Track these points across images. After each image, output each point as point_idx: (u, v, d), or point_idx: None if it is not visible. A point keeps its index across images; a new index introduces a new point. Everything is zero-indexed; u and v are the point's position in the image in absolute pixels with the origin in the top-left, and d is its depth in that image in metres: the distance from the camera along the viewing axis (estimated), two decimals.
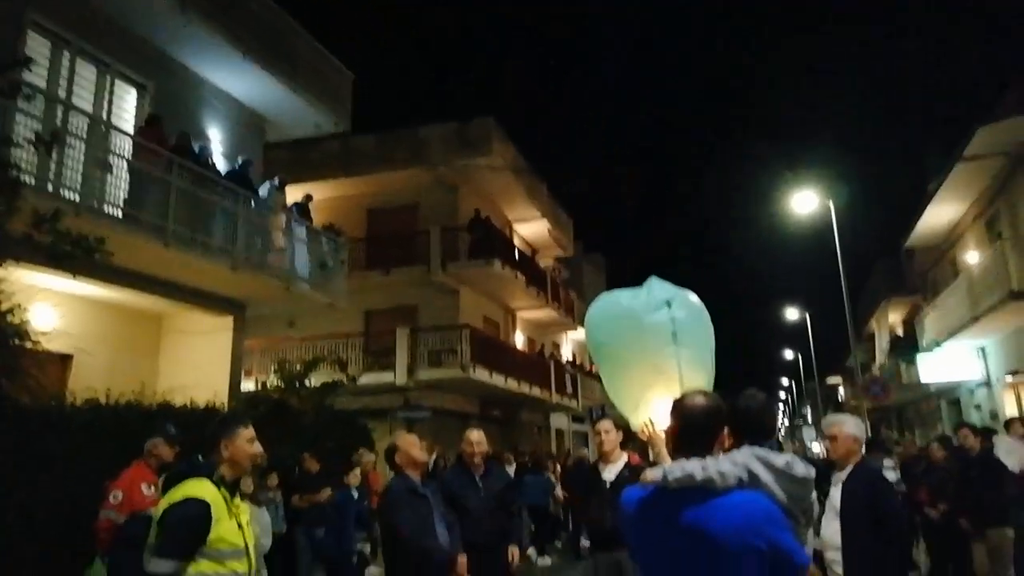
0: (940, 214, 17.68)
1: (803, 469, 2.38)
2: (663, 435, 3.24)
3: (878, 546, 3.76)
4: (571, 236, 27.80)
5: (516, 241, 23.15)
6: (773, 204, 19.33)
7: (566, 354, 28.05)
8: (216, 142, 11.44)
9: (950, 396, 19.97)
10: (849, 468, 4.01)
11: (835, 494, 3.99)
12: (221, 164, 11.03)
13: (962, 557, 7.27)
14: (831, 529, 3.91)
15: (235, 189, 9.96)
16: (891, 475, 8.18)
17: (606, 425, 4.81)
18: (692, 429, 2.21)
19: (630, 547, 2.26)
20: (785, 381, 69.20)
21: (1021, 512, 6.38)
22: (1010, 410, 14.65)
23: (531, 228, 24.41)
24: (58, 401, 7.70)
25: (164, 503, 2.81)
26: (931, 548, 7.97)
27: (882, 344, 27.62)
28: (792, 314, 36.12)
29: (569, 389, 23.80)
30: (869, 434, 10.46)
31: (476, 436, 4.85)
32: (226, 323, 11.12)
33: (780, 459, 2.39)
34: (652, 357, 3.27)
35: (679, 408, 2.26)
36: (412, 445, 4.32)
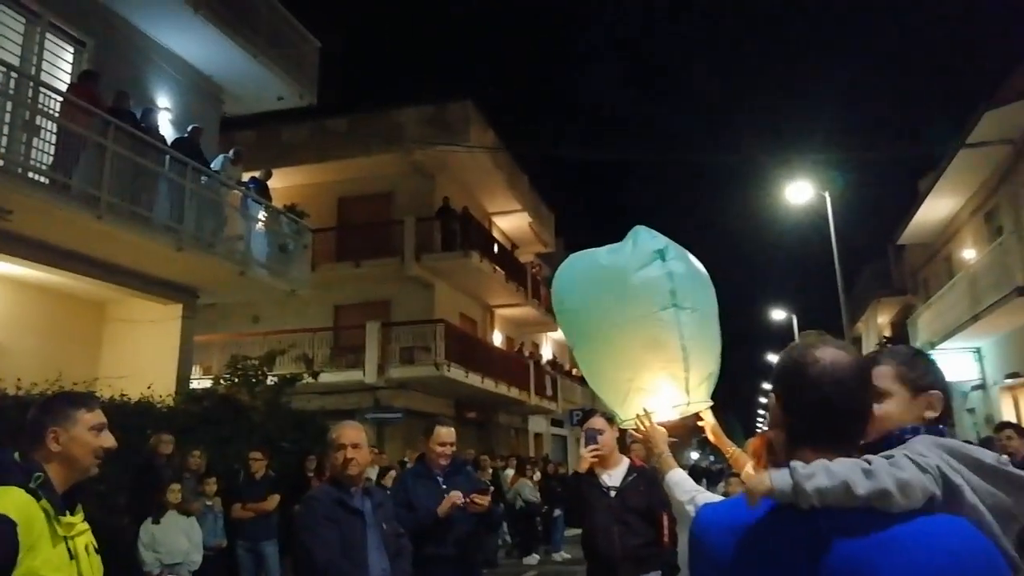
0: (936, 208, 17.11)
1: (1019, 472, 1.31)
2: (663, 431, 2.56)
3: None
4: (553, 232, 26.91)
5: (495, 234, 22.25)
6: (761, 198, 18.61)
7: (546, 355, 27.21)
8: (166, 110, 10.49)
9: None
10: None
11: None
12: (170, 134, 10.07)
13: None
14: None
15: (182, 159, 9.03)
16: None
17: (599, 422, 3.90)
18: (841, 403, 1.27)
19: None
20: (768, 386, 69.03)
21: None
22: (1008, 415, 14.01)
23: (511, 222, 23.47)
24: None
25: None
26: None
27: (870, 347, 27.10)
28: (777, 315, 35.13)
29: (549, 391, 22.96)
30: None
31: (446, 432, 4.13)
32: (174, 311, 10.34)
33: (985, 453, 1.34)
34: (645, 326, 2.53)
35: (809, 367, 1.29)
36: (355, 444, 3.21)
